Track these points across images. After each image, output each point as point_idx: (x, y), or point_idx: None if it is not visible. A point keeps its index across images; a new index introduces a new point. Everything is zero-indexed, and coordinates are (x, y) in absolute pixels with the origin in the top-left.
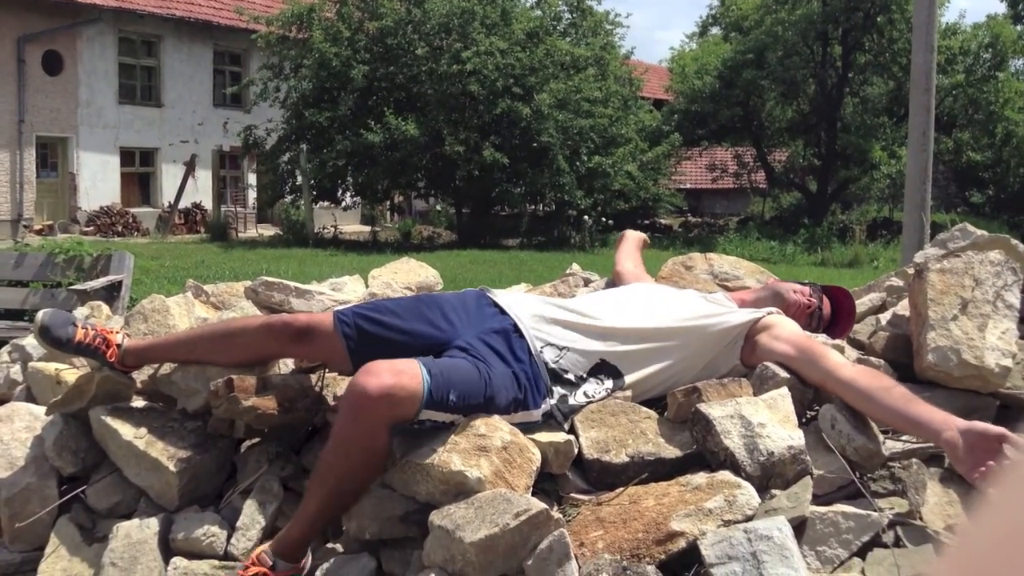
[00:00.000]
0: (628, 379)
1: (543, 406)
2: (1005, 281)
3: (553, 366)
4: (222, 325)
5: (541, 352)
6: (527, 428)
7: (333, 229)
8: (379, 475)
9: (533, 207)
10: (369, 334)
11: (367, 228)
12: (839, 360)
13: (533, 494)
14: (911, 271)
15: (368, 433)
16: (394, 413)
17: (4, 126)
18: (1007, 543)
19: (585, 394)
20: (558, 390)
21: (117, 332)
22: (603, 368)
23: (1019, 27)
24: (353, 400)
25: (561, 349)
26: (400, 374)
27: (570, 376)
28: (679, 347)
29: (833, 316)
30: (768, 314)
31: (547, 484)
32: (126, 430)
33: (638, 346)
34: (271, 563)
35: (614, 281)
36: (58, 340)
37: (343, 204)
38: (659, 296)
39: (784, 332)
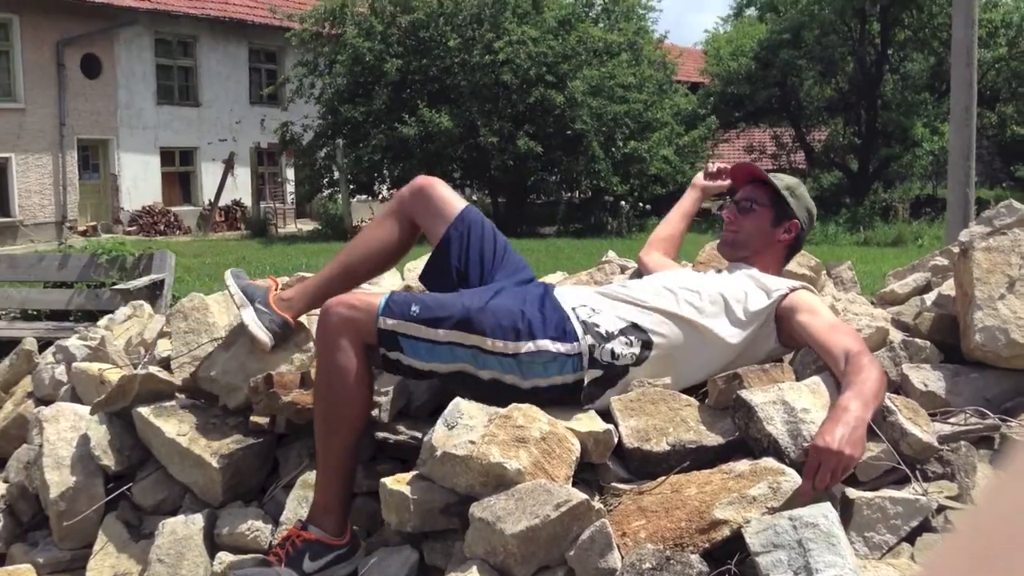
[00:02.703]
0: (656, 344)
1: (572, 346)
2: None
3: (585, 319)
4: (348, 247)
5: (574, 309)
6: (550, 369)
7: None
8: (364, 412)
9: (569, 195)
10: (458, 242)
11: None
12: (856, 347)
13: (573, 484)
14: (956, 250)
15: (332, 348)
16: (353, 318)
17: (46, 130)
18: (1014, 525)
19: (612, 352)
20: (587, 339)
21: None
22: (633, 330)
23: None
24: (318, 321)
25: (594, 310)
26: (362, 292)
27: (600, 330)
28: (708, 328)
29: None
30: (792, 291)
31: (587, 474)
32: (169, 428)
33: (668, 320)
34: (302, 525)
35: (639, 272)
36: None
37: (380, 197)
38: (689, 279)
39: (815, 312)
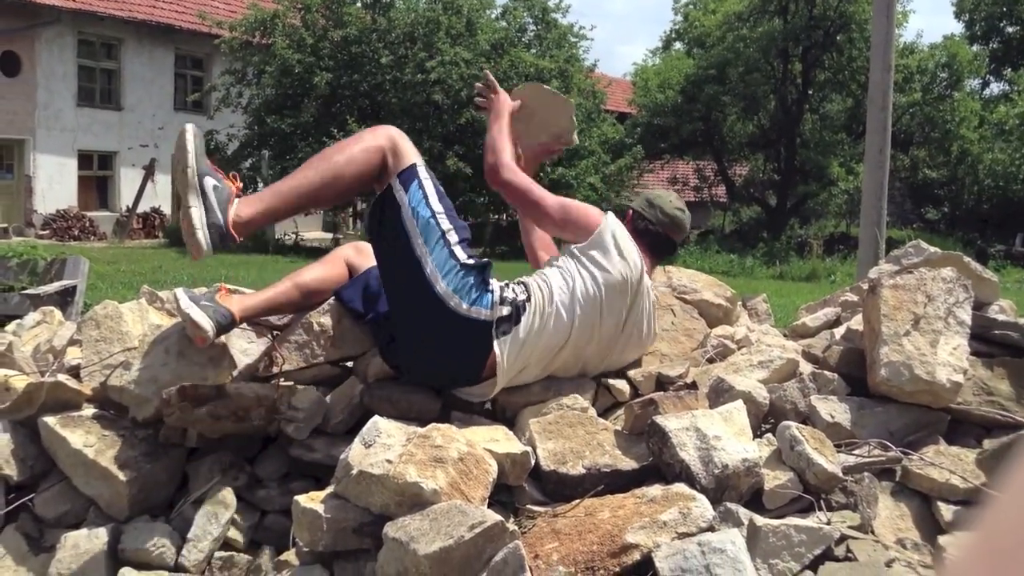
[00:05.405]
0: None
1: (489, 282)
2: (957, 298)
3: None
4: (325, 165)
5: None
6: (472, 295)
7: (294, 235)
8: (340, 195)
9: (497, 217)
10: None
11: (329, 235)
12: None
13: (489, 506)
14: (865, 286)
15: (368, 141)
16: (401, 145)
17: None
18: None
19: (513, 289)
20: (495, 282)
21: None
22: (517, 283)
23: (975, 47)
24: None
25: None
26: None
27: (501, 282)
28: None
29: None
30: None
31: (503, 496)
32: (75, 438)
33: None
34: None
35: None
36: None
37: (305, 211)
38: None
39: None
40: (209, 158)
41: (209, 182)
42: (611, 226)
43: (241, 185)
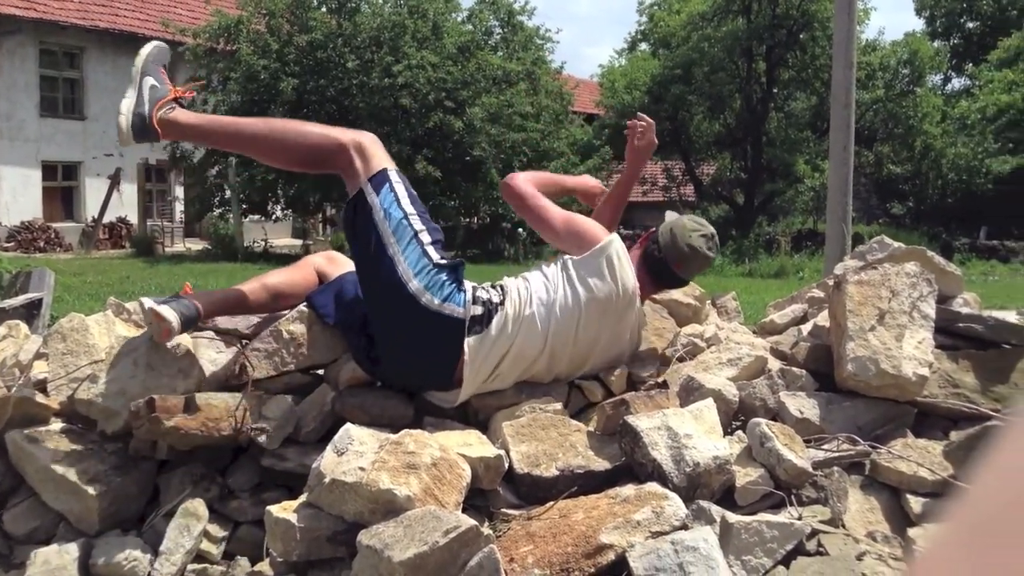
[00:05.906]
0: (509, 287)
1: (460, 282)
2: (921, 292)
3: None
4: (278, 126)
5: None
6: (444, 291)
7: (263, 243)
8: (289, 162)
9: (467, 220)
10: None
11: (299, 241)
12: None
13: (464, 510)
14: (831, 283)
15: (335, 134)
16: (369, 149)
17: None
18: (1013, 510)
19: (486, 290)
20: (469, 283)
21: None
22: (495, 286)
23: (936, 43)
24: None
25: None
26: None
27: (473, 283)
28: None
29: None
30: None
31: (478, 500)
32: (44, 453)
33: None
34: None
35: None
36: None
37: (274, 217)
38: None
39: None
40: (177, 163)
41: (148, 80)
42: (611, 248)
43: (184, 92)
